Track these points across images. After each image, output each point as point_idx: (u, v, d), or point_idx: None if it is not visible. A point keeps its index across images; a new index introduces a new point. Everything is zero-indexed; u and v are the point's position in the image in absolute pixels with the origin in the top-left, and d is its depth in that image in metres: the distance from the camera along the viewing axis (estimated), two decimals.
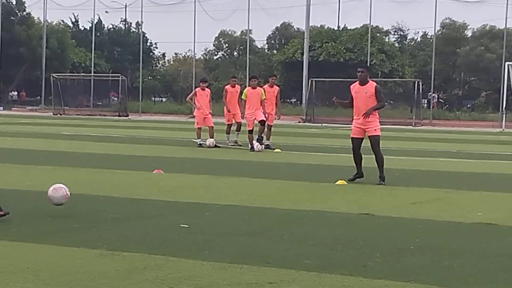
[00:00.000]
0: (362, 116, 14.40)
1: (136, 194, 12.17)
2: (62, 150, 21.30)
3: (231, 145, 24.37)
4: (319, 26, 74.70)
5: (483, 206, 11.61)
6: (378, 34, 71.76)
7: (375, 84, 14.71)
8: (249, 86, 23.36)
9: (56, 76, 61.31)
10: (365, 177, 14.52)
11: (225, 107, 24.60)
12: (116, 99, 61.78)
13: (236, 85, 24.63)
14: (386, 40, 74.91)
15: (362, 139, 14.65)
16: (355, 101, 14.62)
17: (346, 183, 14.17)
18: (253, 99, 22.55)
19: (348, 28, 72.29)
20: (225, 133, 25.15)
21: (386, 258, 7.63)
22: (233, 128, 24.77)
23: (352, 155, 14.81)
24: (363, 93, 14.48)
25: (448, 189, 13.67)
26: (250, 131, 22.56)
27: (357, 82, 14.68)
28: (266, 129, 23.18)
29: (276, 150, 22.80)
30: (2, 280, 6.40)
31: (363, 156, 14.69)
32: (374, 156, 14.61)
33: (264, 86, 23.74)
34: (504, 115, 45.96)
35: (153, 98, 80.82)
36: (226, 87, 25.00)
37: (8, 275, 6.59)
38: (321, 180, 14.75)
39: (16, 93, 79.55)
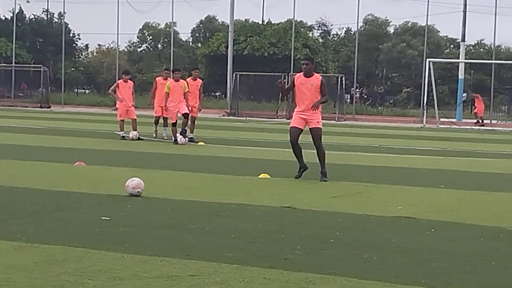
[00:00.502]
0: (311, 108, 13.99)
1: (57, 186, 12.03)
2: None
3: (154, 137, 24.16)
4: (243, 20, 74.78)
5: (402, 200, 11.79)
6: (302, 29, 72.12)
7: (321, 77, 14.36)
8: (172, 78, 23.25)
9: None
10: (287, 170, 14.56)
11: (150, 98, 24.49)
12: (42, 90, 60.21)
13: (169, 78, 24.17)
14: (310, 35, 75.34)
15: (301, 130, 14.25)
16: (298, 93, 14.20)
17: (268, 176, 14.21)
18: (176, 92, 22.44)
19: (273, 22, 72.50)
20: (153, 123, 24.81)
21: (306, 251, 7.68)
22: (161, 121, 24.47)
23: (291, 149, 14.43)
24: (308, 85, 14.09)
25: (369, 183, 13.83)
26: (174, 124, 22.49)
27: (301, 74, 14.31)
28: (189, 122, 23.13)
29: (199, 143, 22.79)
30: None
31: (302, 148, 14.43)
32: (315, 150, 14.36)
33: (187, 79, 23.66)
34: (425, 111, 46.69)
35: (76, 90, 79.83)
36: (157, 78, 24.73)
37: None
38: (244, 173, 14.78)
39: None
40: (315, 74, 14.42)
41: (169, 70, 25.48)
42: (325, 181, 13.94)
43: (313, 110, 14.12)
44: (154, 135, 24.44)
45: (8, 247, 7.36)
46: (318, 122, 14.24)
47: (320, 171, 14.20)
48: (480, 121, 47.60)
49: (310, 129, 14.25)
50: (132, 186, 11.13)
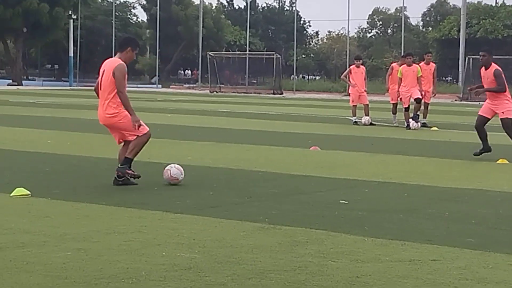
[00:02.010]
0: (474, 94, 15.04)
1: (294, 170, 12.27)
2: (219, 127, 21.68)
3: (395, 124, 23.27)
4: (476, 2, 73.00)
5: None
6: None
7: (494, 68, 14.39)
8: (404, 63, 22.94)
9: (212, 55, 62.34)
10: None
11: (386, 84, 23.87)
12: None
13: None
14: None
15: (488, 119, 14.51)
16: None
17: (507, 162, 13.81)
18: (408, 77, 22.23)
19: (507, 4, 70.29)
20: (391, 113, 23.71)
21: None
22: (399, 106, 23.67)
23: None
24: (485, 77, 14.41)
25: None
26: (406, 109, 22.32)
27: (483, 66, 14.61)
28: (422, 107, 22.82)
29: (433, 128, 22.47)
30: (171, 250, 6.60)
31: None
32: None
33: (420, 64, 23.34)
34: None
35: (306, 76, 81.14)
36: (393, 64, 24.34)
37: (176, 246, 6.80)
38: (480, 158, 14.46)
39: (189, 72, 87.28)
40: (492, 64, 14.46)
41: (412, 56, 24.15)
42: None
43: (475, 94, 14.88)
44: (394, 120, 23.41)
45: (252, 228, 7.60)
46: (503, 112, 14.28)
47: None
48: None
49: (500, 119, 14.40)
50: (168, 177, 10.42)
